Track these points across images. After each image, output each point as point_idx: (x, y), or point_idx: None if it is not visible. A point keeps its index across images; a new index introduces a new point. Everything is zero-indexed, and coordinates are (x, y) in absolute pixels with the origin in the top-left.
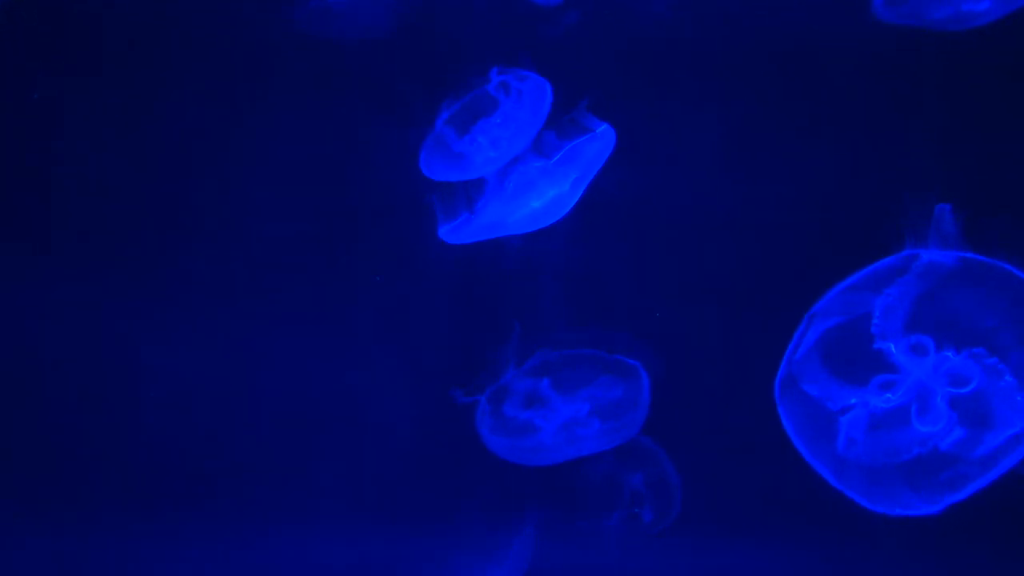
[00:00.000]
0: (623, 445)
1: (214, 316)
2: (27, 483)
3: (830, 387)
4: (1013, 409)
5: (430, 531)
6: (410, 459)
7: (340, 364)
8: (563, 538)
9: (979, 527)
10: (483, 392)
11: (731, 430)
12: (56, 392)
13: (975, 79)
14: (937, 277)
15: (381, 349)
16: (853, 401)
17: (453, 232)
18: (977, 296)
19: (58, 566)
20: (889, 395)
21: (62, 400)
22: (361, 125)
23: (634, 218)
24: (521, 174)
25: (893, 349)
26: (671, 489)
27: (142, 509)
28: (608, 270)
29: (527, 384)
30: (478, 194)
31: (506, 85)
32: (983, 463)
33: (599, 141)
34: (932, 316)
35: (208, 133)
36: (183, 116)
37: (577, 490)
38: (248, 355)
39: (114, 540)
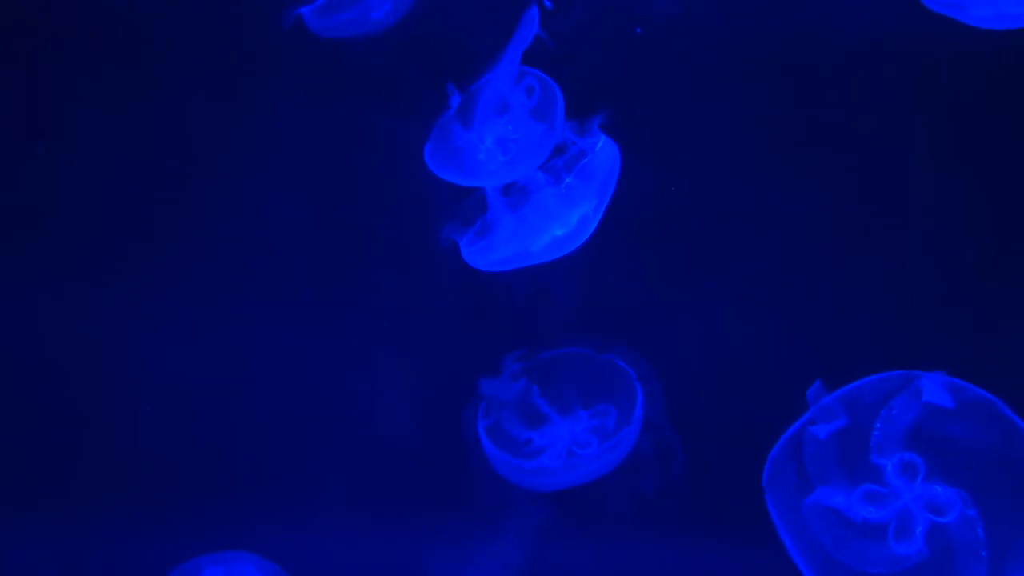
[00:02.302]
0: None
1: (214, 315)
2: (22, 483)
3: (827, 467)
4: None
5: (429, 530)
6: (409, 459)
7: (341, 365)
8: (564, 533)
9: None
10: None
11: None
12: (52, 392)
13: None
14: (935, 407)
15: (382, 350)
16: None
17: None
18: (973, 433)
19: (51, 566)
20: (872, 509)
21: (59, 400)
22: (365, 120)
23: (648, 226)
24: (538, 204)
25: (888, 467)
26: (673, 457)
27: (140, 509)
28: (616, 278)
29: (518, 391)
30: (494, 226)
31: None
32: None
33: (609, 154)
34: (929, 440)
35: (208, 131)
36: (183, 113)
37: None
38: (247, 355)
39: (112, 540)
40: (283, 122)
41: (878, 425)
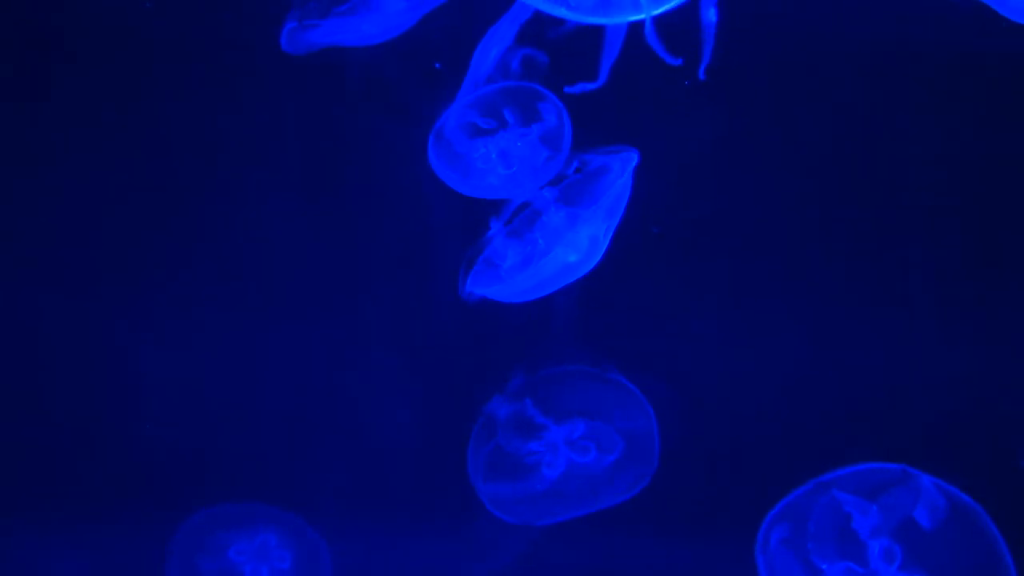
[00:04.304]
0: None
1: (213, 318)
2: (19, 485)
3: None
4: None
5: (425, 534)
6: (405, 466)
7: (339, 373)
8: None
9: None
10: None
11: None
12: (50, 393)
13: None
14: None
15: (381, 353)
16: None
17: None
18: (954, 540)
19: (49, 568)
20: None
21: (56, 402)
22: (365, 124)
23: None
24: (548, 229)
25: (871, 549)
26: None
27: (137, 511)
28: (615, 291)
29: (512, 408)
30: (505, 257)
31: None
32: None
33: (624, 174)
34: (912, 534)
35: (207, 134)
36: (180, 117)
37: None
38: (246, 358)
39: (109, 541)
40: (280, 125)
41: (875, 509)
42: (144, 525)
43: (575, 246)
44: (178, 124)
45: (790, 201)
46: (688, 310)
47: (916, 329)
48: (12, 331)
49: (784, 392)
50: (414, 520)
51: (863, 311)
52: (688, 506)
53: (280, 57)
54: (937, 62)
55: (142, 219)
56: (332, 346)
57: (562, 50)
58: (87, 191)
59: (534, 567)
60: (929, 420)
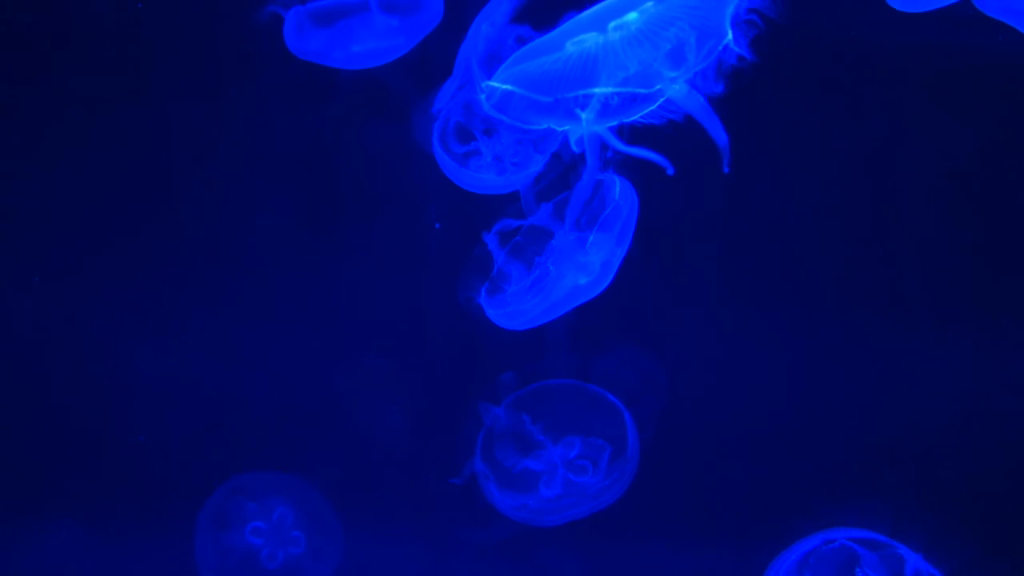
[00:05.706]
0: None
1: (209, 320)
2: (18, 485)
3: None
4: None
5: (422, 538)
6: (403, 465)
7: (338, 368)
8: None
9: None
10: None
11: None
12: (46, 393)
13: None
14: None
15: (378, 353)
16: None
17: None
18: None
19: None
20: None
21: (52, 401)
22: (360, 127)
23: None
24: (558, 256)
25: None
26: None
27: (136, 511)
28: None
29: (511, 420)
30: (512, 283)
31: None
32: None
33: (627, 198)
34: None
35: (198, 136)
36: (172, 117)
37: None
38: (241, 358)
39: (105, 542)
40: (274, 127)
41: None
42: (143, 526)
43: (587, 270)
44: (169, 125)
45: (787, 211)
46: (687, 316)
47: (914, 337)
48: (15, 331)
49: (780, 399)
50: (412, 522)
51: (860, 320)
52: (685, 508)
53: (273, 59)
54: (935, 68)
55: (140, 220)
56: (331, 348)
57: None
58: (80, 192)
59: (532, 567)
60: (927, 427)
